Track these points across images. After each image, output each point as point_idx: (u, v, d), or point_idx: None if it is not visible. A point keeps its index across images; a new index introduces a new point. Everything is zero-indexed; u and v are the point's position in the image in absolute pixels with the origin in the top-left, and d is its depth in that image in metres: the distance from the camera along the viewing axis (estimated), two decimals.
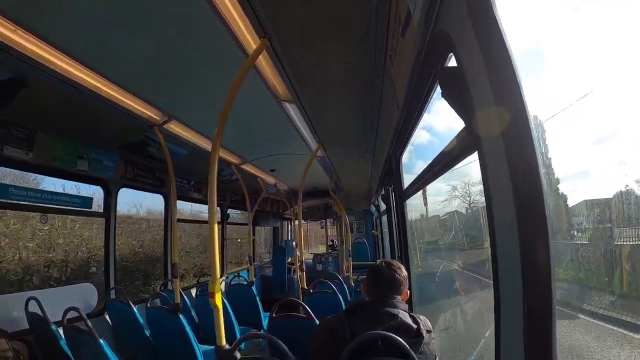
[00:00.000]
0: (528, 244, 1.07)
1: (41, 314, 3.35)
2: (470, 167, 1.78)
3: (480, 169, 1.35)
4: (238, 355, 2.41)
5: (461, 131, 1.64)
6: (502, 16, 1.13)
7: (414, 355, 1.70)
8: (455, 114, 1.54)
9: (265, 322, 6.14)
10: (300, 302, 3.64)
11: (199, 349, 3.88)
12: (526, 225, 1.08)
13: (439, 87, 1.70)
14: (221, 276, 7.55)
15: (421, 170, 2.78)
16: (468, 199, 6.91)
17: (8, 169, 4.60)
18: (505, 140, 1.14)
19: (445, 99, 1.55)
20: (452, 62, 1.56)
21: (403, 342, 1.71)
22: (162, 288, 5.94)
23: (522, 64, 1.10)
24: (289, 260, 10.49)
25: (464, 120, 1.53)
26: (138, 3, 2.24)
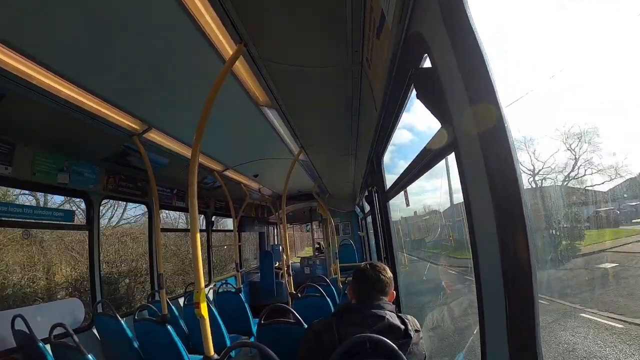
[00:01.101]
0: (507, 242, 1.08)
1: (28, 332, 3.29)
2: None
3: (458, 168, 1.36)
4: None
5: (438, 132, 1.66)
6: (474, 16, 1.14)
7: (403, 356, 1.71)
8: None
9: (255, 329, 6.12)
10: (289, 307, 3.63)
11: (189, 359, 3.84)
12: (505, 223, 1.09)
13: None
14: (208, 284, 7.51)
15: (403, 170, 2.80)
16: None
17: None
18: (481, 139, 1.15)
19: (420, 100, 1.56)
20: (428, 63, 1.57)
21: (391, 343, 1.72)
22: (150, 299, 5.88)
23: (496, 63, 1.11)
24: (276, 264, 10.45)
25: (440, 121, 1.54)
26: (114, 13, 2.22)
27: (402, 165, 2.90)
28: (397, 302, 3.27)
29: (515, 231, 1.07)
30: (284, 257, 7.01)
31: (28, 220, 4.06)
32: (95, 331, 4.53)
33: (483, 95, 1.11)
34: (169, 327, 3.90)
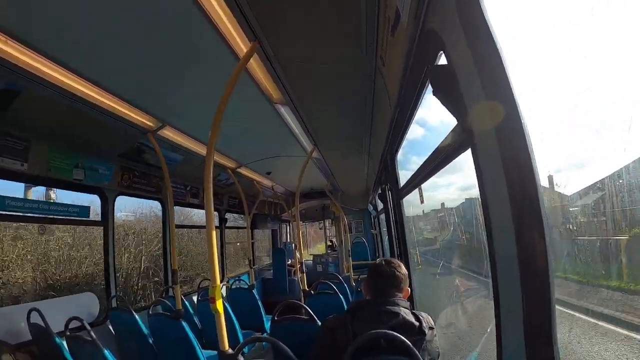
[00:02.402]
0: (524, 239, 1.08)
1: (43, 325, 3.34)
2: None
3: (474, 165, 1.36)
4: (241, 359, 2.41)
5: (454, 128, 1.65)
6: (490, 13, 1.13)
7: (417, 352, 1.71)
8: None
9: (267, 325, 6.13)
10: (302, 304, 3.63)
11: (203, 354, 3.87)
12: (522, 221, 1.08)
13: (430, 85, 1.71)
14: (221, 281, 7.55)
15: (418, 167, 2.78)
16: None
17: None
18: (498, 136, 1.15)
19: (436, 97, 1.55)
20: (443, 60, 1.56)
21: (405, 340, 1.72)
22: (164, 295, 5.93)
23: (512, 60, 1.10)
24: (289, 262, 10.47)
25: (456, 118, 1.53)
26: (129, 11, 2.24)
27: (415, 161, 2.89)
28: (410, 299, 3.26)
29: (532, 229, 1.06)
30: (297, 254, 7.01)
31: (44, 216, 4.12)
32: (110, 325, 4.59)
33: (499, 92, 1.11)
34: (182, 322, 3.93)
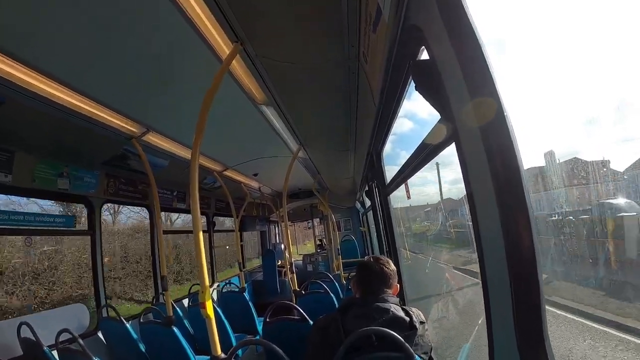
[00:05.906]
0: (511, 232, 1.09)
1: (34, 339, 3.30)
2: None
3: (459, 159, 1.36)
4: None
5: (438, 123, 1.66)
6: (471, 7, 1.14)
7: (409, 348, 1.72)
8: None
9: (260, 327, 6.13)
10: (293, 304, 3.63)
11: None
12: (508, 215, 1.09)
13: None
14: (212, 285, 7.52)
15: (403, 163, 2.79)
16: None
17: None
18: (481, 129, 1.15)
19: (419, 92, 1.56)
20: (425, 56, 1.57)
21: (397, 335, 1.72)
22: (154, 302, 5.88)
23: (494, 53, 1.11)
24: (279, 263, 10.45)
25: (439, 112, 1.54)
26: (108, 18, 2.21)
27: (404, 155, 2.90)
28: (401, 295, 3.27)
29: (518, 221, 1.07)
30: (287, 255, 7.02)
31: (30, 228, 4.06)
32: (101, 335, 4.54)
33: (482, 85, 1.11)
34: (174, 328, 3.91)
